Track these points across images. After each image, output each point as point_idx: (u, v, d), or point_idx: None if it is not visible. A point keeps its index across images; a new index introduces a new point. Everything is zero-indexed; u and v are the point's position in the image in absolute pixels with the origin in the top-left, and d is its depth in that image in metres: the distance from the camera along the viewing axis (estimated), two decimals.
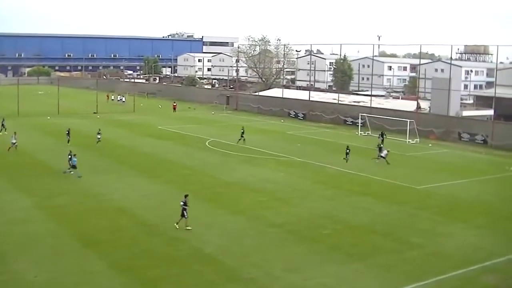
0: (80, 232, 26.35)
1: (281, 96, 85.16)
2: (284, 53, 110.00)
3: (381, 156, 44.56)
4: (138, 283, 20.99)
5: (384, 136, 55.43)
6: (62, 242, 24.88)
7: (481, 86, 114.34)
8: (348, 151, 45.45)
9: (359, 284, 21.39)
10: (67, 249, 24.09)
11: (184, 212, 26.82)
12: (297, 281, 21.33)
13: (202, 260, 23.18)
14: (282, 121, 74.86)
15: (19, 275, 21.29)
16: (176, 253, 24.04)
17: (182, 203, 27.05)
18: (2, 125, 56.52)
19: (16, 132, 48.15)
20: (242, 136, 53.63)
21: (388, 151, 45.29)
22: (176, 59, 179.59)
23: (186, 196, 27.50)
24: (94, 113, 77.54)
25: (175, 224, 26.85)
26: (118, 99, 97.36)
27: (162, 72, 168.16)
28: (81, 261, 22.72)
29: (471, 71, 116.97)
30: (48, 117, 71.19)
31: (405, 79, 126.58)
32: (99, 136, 50.37)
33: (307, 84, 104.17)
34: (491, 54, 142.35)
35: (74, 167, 37.54)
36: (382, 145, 47.77)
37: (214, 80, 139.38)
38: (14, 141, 46.18)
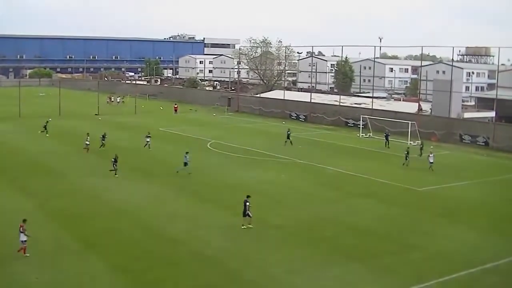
0: (80, 234, 26.32)
1: (282, 98, 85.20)
2: (285, 55, 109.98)
3: (430, 163, 43.47)
4: (138, 285, 20.96)
5: (389, 137, 55.56)
6: (62, 244, 24.85)
7: (482, 88, 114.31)
8: (406, 153, 45.07)
9: (360, 286, 21.33)
10: (68, 251, 24.06)
11: (249, 212, 27.04)
12: (298, 283, 21.27)
13: (202, 262, 23.13)
14: (284, 123, 74.67)
15: (20, 277, 21.27)
16: (176, 255, 23.98)
17: (247, 203, 27.14)
18: (45, 127, 57.88)
19: (88, 133, 48.87)
20: (288, 138, 54.49)
21: (431, 152, 45.53)
22: (178, 61, 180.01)
23: (248, 196, 27.63)
24: (96, 114, 77.58)
25: (248, 225, 27.13)
26: (112, 100, 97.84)
27: (163, 74, 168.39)
28: (81, 263, 22.70)
29: (473, 73, 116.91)
30: (50, 119, 71.10)
31: (407, 81, 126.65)
32: (148, 140, 50.57)
33: (309, 86, 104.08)
34: (493, 56, 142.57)
35: (185, 164, 38.57)
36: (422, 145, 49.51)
37: (215, 82, 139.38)
38: (87, 142, 47.19)
